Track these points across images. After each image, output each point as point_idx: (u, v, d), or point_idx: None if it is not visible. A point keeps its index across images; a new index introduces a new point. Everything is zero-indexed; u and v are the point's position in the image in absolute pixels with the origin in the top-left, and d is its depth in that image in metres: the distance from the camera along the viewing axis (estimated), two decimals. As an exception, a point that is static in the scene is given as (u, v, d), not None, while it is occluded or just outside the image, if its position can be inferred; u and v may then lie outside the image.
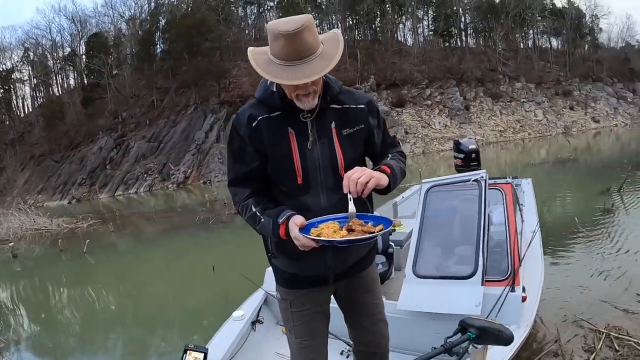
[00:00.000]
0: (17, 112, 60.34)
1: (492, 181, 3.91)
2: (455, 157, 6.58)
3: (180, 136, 41.48)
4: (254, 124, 1.80)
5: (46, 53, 58.98)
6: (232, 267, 7.67)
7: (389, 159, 1.89)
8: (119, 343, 6.31)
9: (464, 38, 54.13)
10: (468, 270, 2.81)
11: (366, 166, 1.85)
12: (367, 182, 1.59)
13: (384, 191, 1.74)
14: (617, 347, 3.65)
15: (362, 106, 1.85)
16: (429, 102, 42.58)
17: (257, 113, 1.81)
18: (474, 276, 2.74)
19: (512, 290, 2.70)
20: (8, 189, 48.63)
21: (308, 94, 1.69)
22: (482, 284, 2.69)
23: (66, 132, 50.05)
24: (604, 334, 3.87)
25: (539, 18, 54.84)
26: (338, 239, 1.53)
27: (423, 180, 3.83)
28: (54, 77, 59.41)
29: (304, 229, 1.62)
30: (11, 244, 17.02)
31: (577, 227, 7.56)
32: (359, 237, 1.53)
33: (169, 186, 37.72)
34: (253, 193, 1.84)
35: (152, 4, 56.21)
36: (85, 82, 53.31)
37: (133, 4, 55.81)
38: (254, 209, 1.80)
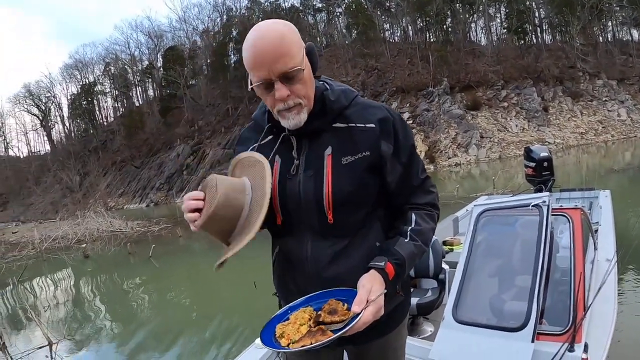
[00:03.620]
0: (100, 122, 64.37)
1: (561, 202, 3.36)
2: (526, 166, 5.99)
3: (254, 143, 42.43)
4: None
5: (126, 67, 62.84)
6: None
7: (407, 232, 1.39)
8: (145, 346, 6.41)
9: (539, 35, 51.13)
10: (517, 320, 2.32)
11: (375, 207, 1.43)
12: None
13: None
14: None
15: (372, 125, 1.37)
16: (505, 103, 40.53)
17: (252, 140, 1.52)
18: (523, 329, 2.24)
19: (571, 349, 2.16)
20: (91, 192, 52.11)
21: (290, 108, 1.31)
22: (533, 340, 2.19)
23: (145, 140, 52.92)
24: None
25: (617, 8, 50.48)
26: (280, 347, 1.19)
27: (474, 203, 3.35)
28: (134, 89, 63.31)
29: (272, 324, 1.28)
30: (84, 245, 18.09)
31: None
32: (306, 345, 1.16)
33: (242, 192, 38.55)
34: None
35: (225, 17, 57.96)
36: (163, 93, 55.82)
37: (206, 18, 58.04)
38: None
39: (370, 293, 1.22)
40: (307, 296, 1.35)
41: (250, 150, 1.49)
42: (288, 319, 1.27)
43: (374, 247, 1.41)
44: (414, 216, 1.43)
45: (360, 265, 1.35)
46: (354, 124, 1.38)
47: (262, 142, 1.47)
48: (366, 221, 1.42)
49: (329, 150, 1.37)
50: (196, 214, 1.29)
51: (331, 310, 1.22)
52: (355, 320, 1.16)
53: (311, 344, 1.15)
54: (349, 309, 1.22)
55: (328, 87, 1.43)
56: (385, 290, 1.26)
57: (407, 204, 1.46)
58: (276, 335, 1.23)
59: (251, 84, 1.31)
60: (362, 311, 1.18)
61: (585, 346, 2.21)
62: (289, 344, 1.18)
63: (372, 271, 1.29)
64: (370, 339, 1.52)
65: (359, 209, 1.39)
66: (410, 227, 1.40)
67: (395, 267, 1.31)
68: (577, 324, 2.29)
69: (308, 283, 1.40)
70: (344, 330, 1.15)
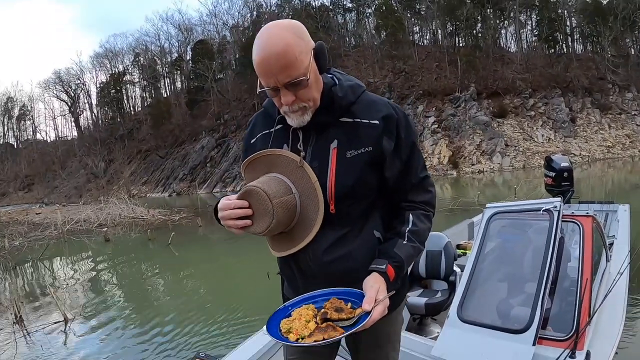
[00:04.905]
0: (127, 111, 65.40)
1: (571, 211, 3.36)
2: (546, 176, 5.96)
3: (277, 139, 42.79)
4: (252, 140, 1.60)
5: (155, 58, 63.84)
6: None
7: (405, 233, 1.46)
8: (152, 333, 6.51)
9: (569, 44, 50.14)
10: (520, 322, 2.35)
11: (375, 199, 1.49)
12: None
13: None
14: None
15: (376, 122, 1.42)
16: (532, 112, 39.93)
17: (259, 127, 1.60)
18: (525, 332, 2.27)
19: (572, 355, 2.16)
20: (115, 179, 53.09)
21: (295, 111, 1.40)
22: (534, 344, 2.21)
23: (171, 130, 53.62)
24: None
25: (650, 20, 49.12)
26: (293, 342, 1.24)
27: (487, 205, 3.37)
28: (162, 80, 64.18)
29: (274, 320, 1.33)
30: (105, 229, 18.49)
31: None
32: (319, 341, 1.21)
33: (264, 186, 38.96)
34: None
35: (255, 13, 58.32)
36: (191, 85, 56.50)
37: (236, 13, 58.58)
38: None
39: (378, 292, 1.30)
40: (306, 294, 1.41)
41: (261, 136, 1.57)
42: (290, 315, 1.33)
43: (372, 236, 1.49)
44: (411, 217, 1.49)
45: (358, 252, 1.44)
46: (359, 119, 1.44)
47: (272, 130, 1.53)
48: (366, 212, 1.49)
49: (334, 144, 1.43)
50: (247, 221, 1.36)
51: (337, 308, 1.28)
52: (367, 319, 1.22)
53: (324, 339, 1.20)
54: (353, 308, 1.29)
55: (337, 81, 1.48)
56: (394, 292, 1.35)
57: (404, 201, 1.51)
58: (282, 331, 1.28)
59: (260, 87, 1.37)
60: (372, 309, 1.25)
61: (588, 354, 2.22)
62: (298, 339, 1.23)
63: (375, 274, 1.37)
64: None
65: (360, 201, 1.46)
66: (407, 228, 1.46)
67: (395, 269, 1.40)
68: (580, 330, 2.29)
69: (308, 267, 1.48)
70: (357, 327, 1.21)
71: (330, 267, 1.44)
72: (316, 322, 1.26)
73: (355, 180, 1.41)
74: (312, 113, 1.42)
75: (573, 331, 2.32)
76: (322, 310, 1.29)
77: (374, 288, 1.31)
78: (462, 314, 2.61)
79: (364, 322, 1.21)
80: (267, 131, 1.54)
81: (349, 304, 1.31)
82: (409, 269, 1.56)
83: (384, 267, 1.38)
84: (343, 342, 1.77)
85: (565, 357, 2.18)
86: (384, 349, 1.68)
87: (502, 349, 2.29)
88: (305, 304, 1.36)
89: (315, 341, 1.20)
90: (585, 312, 2.41)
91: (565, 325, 2.42)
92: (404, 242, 1.44)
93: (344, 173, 1.41)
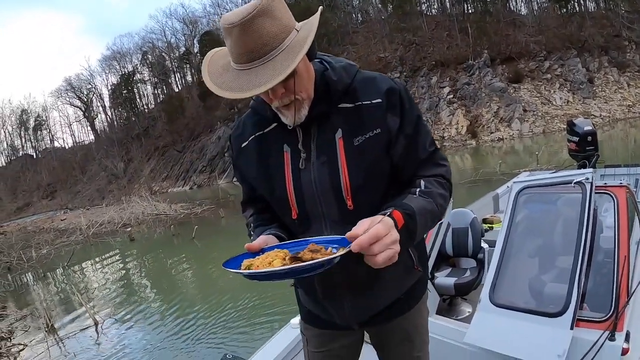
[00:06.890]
0: (141, 109, 65.88)
1: (605, 179, 3.20)
2: (569, 141, 5.76)
3: (294, 123, 43.03)
4: (243, 145, 1.43)
5: (163, 54, 63.84)
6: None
7: (416, 191, 1.26)
8: (181, 332, 6.58)
9: (582, 2, 48.67)
10: (557, 305, 2.22)
11: (393, 190, 1.33)
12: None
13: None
14: None
15: (379, 100, 1.27)
16: (549, 75, 38.98)
17: (248, 130, 1.42)
18: (562, 315, 2.14)
19: (612, 337, 2.04)
20: (135, 178, 53.72)
21: (287, 105, 1.22)
22: (572, 327, 2.09)
23: (186, 124, 53.90)
24: None
25: (664, -28, 47.34)
26: (247, 271, 1.04)
27: (514, 180, 3.23)
28: (172, 75, 64.21)
29: (234, 260, 1.13)
30: (129, 229, 18.77)
31: None
32: (284, 267, 1.02)
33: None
34: (256, 211, 1.50)
35: (259, -1, 57.73)
36: (201, 78, 56.64)
37: (240, 1, 57.74)
38: (250, 227, 1.46)
39: (371, 222, 1.06)
40: (285, 242, 1.25)
41: (254, 138, 1.40)
42: (259, 257, 1.14)
43: None
44: (422, 182, 1.30)
45: None
46: (360, 102, 1.30)
47: (265, 131, 1.37)
48: (385, 200, 1.31)
49: (339, 133, 1.29)
50: None
51: (313, 250, 1.08)
52: (350, 245, 1.01)
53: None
54: (336, 250, 1.09)
55: (328, 65, 1.33)
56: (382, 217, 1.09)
57: (414, 176, 1.34)
58: (242, 267, 1.09)
59: None
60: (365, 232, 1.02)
61: (627, 335, 2.10)
62: None
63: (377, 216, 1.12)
64: (391, 318, 1.51)
65: (378, 189, 1.32)
66: (418, 189, 1.28)
67: (404, 216, 1.14)
68: (619, 311, 2.16)
69: (329, 272, 1.26)
70: (334, 255, 1.02)
71: (353, 270, 1.31)
72: (284, 262, 1.07)
73: (371, 167, 1.28)
74: (308, 106, 1.27)
75: (612, 312, 2.18)
76: (300, 252, 1.08)
77: (365, 222, 1.06)
78: (495, 298, 2.49)
79: (348, 246, 1.01)
80: (261, 132, 1.38)
81: (330, 249, 1.11)
82: (431, 249, 1.43)
83: (388, 211, 1.14)
84: (367, 337, 1.67)
85: (605, 340, 2.05)
86: (416, 343, 1.60)
87: (539, 334, 2.17)
88: (278, 249, 1.16)
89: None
90: (624, 290, 2.27)
91: (602, 304, 2.28)
92: (415, 196, 1.24)
93: (357, 162, 1.27)
